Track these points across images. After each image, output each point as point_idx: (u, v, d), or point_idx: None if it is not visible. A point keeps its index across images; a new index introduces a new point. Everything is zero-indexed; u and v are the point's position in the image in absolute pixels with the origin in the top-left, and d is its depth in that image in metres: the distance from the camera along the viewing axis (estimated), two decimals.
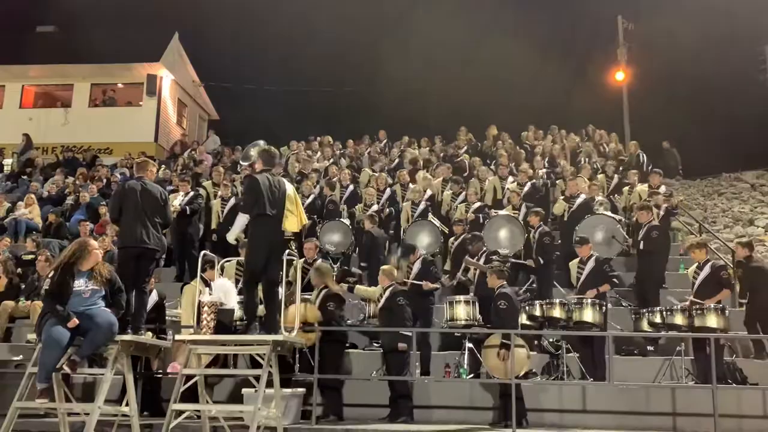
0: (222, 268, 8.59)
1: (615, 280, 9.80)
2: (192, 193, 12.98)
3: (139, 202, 7.31)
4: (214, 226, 12.87)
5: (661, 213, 12.35)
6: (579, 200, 12.67)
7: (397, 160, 17.73)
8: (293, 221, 7.27)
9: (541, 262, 11.29)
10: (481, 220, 12.45)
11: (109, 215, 8.53)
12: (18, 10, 28.60)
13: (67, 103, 24.50)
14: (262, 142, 8.02)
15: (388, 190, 14.35)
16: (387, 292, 9.05)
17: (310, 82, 31.26)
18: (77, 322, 6.44)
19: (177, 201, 12.46)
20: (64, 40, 25.16)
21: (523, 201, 12.91)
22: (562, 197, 13.21)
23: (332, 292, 9.05)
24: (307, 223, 7.39)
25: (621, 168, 15.89)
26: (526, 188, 13.78)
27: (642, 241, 11.12)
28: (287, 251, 7.31)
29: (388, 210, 13.72)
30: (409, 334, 8.67)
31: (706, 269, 9.50)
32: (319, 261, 10.31)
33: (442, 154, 18.22)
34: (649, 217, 11.28)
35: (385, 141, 20.03)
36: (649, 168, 15.25)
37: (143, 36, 24.58)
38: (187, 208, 12.64)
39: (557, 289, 11.23)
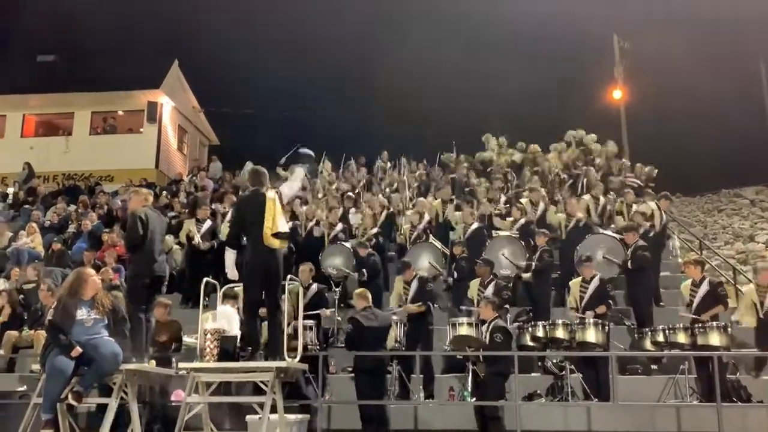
0: (234, 295, 8.56)
1: (610, 301, 9.81)
2: (210, 224, 12.84)
3: (157, 230, 7.38)
4: None
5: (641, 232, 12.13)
6: (577, 218, 12.54)
7: (395, 185, 17.81)
8: (267, 234, 6.91)
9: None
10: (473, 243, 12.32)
11: (130, 242, 7.45)
12: (18, 39, 28.93)
13: (68, 131, 24.65)
14: (249, 164, 7.97)
15: (384, 213, 14.36)
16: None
17: (310, 105, 31.54)
18: (80, 351, 6.43)
19: (198, 228, 12.55)
20: (65, 68, 25.43)
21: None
22: (562, 213, 13.01)
23: None
24: (283, 232, 7.00)
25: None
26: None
27: (630, 261, 11.01)
28: (289, 276, 7.29)
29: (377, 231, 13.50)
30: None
31: (704, 286, 9.47)
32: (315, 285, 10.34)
33: (441, 176, 18.32)
34: (634, 238, 11.26)
35: (388, 164, 20.15)
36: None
37: (143, 63, 24.88)
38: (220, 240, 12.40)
39: (556, 308, 11.18)
